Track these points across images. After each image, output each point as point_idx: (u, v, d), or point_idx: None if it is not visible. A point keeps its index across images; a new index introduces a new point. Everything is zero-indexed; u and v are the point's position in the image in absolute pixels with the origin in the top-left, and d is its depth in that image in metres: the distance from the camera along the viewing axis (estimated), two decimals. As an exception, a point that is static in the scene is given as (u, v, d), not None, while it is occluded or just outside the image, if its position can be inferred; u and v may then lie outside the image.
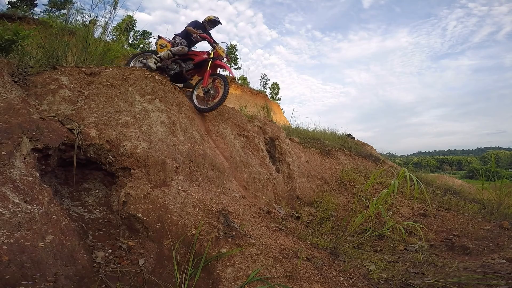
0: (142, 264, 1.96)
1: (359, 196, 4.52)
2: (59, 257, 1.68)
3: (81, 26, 3.98)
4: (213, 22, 4.45)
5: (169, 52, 4.09)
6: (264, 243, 2.20)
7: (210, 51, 4.20)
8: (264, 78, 36.42)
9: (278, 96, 35.55)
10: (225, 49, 4.34)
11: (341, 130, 10.18)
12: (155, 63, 4.10)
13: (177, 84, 4.42)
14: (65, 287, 1.58)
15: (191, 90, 4.28)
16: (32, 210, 1.74)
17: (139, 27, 24.83)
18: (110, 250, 2.04)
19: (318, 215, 3.97)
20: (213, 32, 4.65)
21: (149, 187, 2.44)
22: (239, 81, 23.09)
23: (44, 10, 20.81)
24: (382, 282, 2.15)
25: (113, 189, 2.54)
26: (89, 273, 1.77)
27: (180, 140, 3.13)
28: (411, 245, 3.26)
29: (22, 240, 1.54)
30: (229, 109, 4.79)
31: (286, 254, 2.19)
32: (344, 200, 4.80)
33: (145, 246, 2.14)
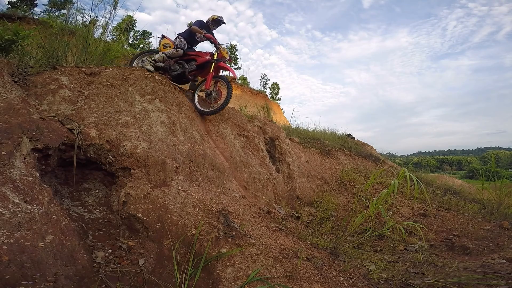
0: (142, 264, 1.96)
1: (359, 196, 4.52)
2: (59, 257, 1.68)
3: (81, 26, 3.98)
4: (217, 21, 4.43)
5: (163, 55, 4.08)
6: (264, 243, 2.20)
7: (213, 52, 4.15)
8: (264, 78, 36.41)
9: (278, 96, 35.54)
10: (228, 50, 4.30)
11: (341, 130, 10.19)
12: (151, 65, 4.08)
13: (180, 85, 4.39)
14: (65, 287, 1.58)
15: (192, 91, 4.24)
16: (32, 210, 1.74)
17: (139, 27, 24.84)
18: (110, 250, 2.04)
19: (318, 215, 3.97)
20: (214, 32, 4.65)
21: (149, 187, 2.44)
22: (239, 81, 23.11)
23: (44, 10, 20.82)
24: (382, 282, 2.15)
25: (113, 189, 2.54)
26: (89, 273, 1.77)
27: (180, 140, 3.13)
28: (411, 245, 3.26)
29: (22, 240, 1.54)
30: (229, 109, 4.79)
31: (286, 254, 2.19)
32: (344, 200, 4.80)
33: (145, 246, 2.14)
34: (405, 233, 3.00)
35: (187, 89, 4.48)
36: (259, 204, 3.30)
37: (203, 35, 4.19)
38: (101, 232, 2.21)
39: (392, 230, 3.22)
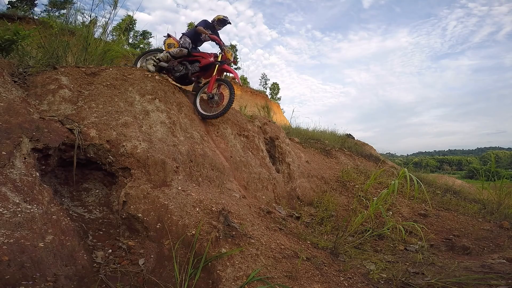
0: (142, 264, 1.96)
1: (359, 196, 4.52)
2: (59, 257, 1.68)
3: (81, 26, 3.98)
4: (223, 21, 4.38)
5: (167, 54, 4.03)
6: (264, 243, 2.20)
7: (218, 54, 4.07)
8: (264, 78, 36.42)
9: (278, 96, 35.56)
10: (233, 52, 4.23)
11: (341, 130, 10.18)
12: (154, 65, 4.05)
13: (184, 86, 4.35)
14: (65, 287, 1.58)
15: (194, 93, 4.18)
16: (32, 210, 1.74)
17: (139, 27, 24.85)
18: (110, 250, 2.04)
19: (318, 215, 3.97)
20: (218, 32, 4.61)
21: (149, 187, 2.44)
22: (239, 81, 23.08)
23: (44, 10, 20.84)
24: (382, 282, 2.15)
25: (113, 189, 2.54)
26: (89, 273, 1.77)
27: (180, 140, 3.13)
28: (411, 245, 3.26)
29: (22, 240, 1.54)
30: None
31: (286, 254, 2.19)
32: (344, 200, 4.80)
33: (145, 246, 2.14)
34: (405, 233, 3.00)
35: (191, 90, 4.46)
36: (259, 204, 3.30)
37: (208, 36, 4.13)
38: (101, 232, 2.21)
39: (392, 230, 3.22)
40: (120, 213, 2.31)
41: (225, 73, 4.19)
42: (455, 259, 2.78)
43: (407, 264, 2.56)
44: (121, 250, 2.07)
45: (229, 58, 4.07)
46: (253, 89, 23.64)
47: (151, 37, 25.02)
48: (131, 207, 2.29)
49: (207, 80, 4.16)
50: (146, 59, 4.40)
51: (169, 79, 4.14)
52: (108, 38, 4.26)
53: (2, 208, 1.61)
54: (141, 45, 23.36)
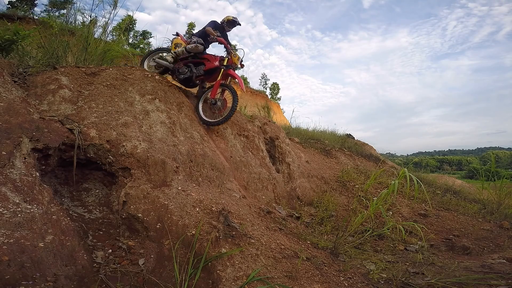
0: (142, 264, 1.96)
1: (359, 196, 4.52)
2: (59, 257, 1.68)
3: (81, 26, 3.98)
4: (232, 23, 4.31)
5: (183, 49, 3.97)
6: (264, 243, 2.20)
7: (224, 57, 3.96)
8: (264, 78, 36.45)
9: (278, 96, 35.58)
10: (241, 57, 4.06)
11: (341, 130, 10.18)
12: (172, 57, 4.01)
13: (189, 89, 4.32)
14: (65, 287, 1.58)
15: (197, 98, 4.11)
16: (32, 210, 1.74)
17: (139, 27, 24.86)
18: (110, 250, 2.04)
19: (318, 215, 3.97)
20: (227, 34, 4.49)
21: (149, 187, 2.44)
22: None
23: (44, 10, 20.85)
24: (382, 282, 2.15)
25: (113, 189, 2.54)
26: (89, 273, 1.77)
27: (180, 140, 3.13)
28: (411, 245, 3.26)
29: (22, 240, 1.54)
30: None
31: (286, 254, 2.19)
32: (344, 200, 4.80)
33: (145, 246, 2.14)
34: (405, 233, 3.00)
35: (195, 93, 4.41)
36: (259, 204, 3.30)
37: (216, 38, 4.04)
38: (101, 232, 2.21)
39: (392, 230, 3.22)
40: (120, 213, 2.31)
41: (230, 78, 4.08)
42: (455, 259, 2.78)
43: (407, 264, 2.56)
44: (121, 250, 2.07)
45: (235, 63, 3.95)
46: (253, 89, 23.65)
47: (151, 37, 25.05)
48: (131, 207, 2.29)
49: (212, 84, 4.08)
50: (153, 59, 4.36)
51: (170, 80, 4.13)
52: (108, 38, 4.26)
53: (2, 208, 1.61)
54: (141, 45, 23.37)
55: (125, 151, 2.55)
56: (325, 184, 5.31)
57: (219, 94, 3.98)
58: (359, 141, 10.37)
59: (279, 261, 2.07)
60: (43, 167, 2.23)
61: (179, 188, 2.55)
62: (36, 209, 1.77)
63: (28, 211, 1.72)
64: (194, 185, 2.77)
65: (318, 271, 2.11)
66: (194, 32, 4.31)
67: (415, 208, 4.66)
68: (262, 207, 3.10)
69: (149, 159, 2.58)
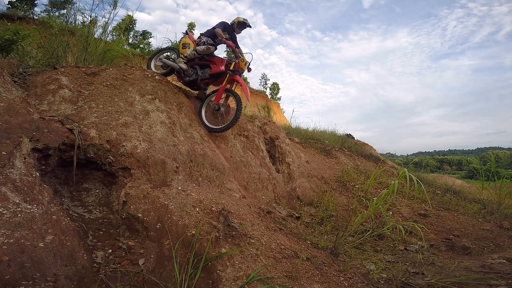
0: (142, 264, 1.96)
1: (359, 196, 4.52)
2: (59, 257, 1.68)
3: (81, 26, 3.98)
4: (242, 24, 4.17)
5: (194, 52, 3.85)
6: (264, 243, 2.20)
7: (230, 61, 3.85)
8: (264, 78, 36.45)
9: (278, 96, 35.59)
10: (249, 62, 3.92)
11: (341, 130, 10.18)
12: (184, 63, 3.87)
13: (195, 91, 4.27)
14: (65, 287, 1.58)
15: (200, 103, 4.03)
16: (32, 210, 1.74)
17: (139, 27, 24.86)
18: (110, 250, 2.04)
19: (318, 215, 3.97)
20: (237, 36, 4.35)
21: (149, 187, 2.44)
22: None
23: (44, 10, 20.86)
24: (382, 282, 2.15)
25: (113, 189, 2.54)
26: (89, 273, 1.77)
27: (180, 140, 3.13)
28: (411, 245, 3.26)
29: (22, 240, 1.54)
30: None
31: (286, 254, 2.19)
32: (344, 200, 4.80)
33: (145, 246, 2.14)
34: (405, 233, 3.00)
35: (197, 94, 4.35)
36: (259, 204, 3.30)
37: (224, 41, 3.90)
38: (101, 232, 2.21)
39: (392, 230, 3.22)
40: (120, 213, 2.31)
41: (235, 83, 3.95)
42: (455, 259, 2.78)
43: (407, 264, 2.56)
44: (121, 250, 2.07)
45: (242, 68, 3.82)
46: (253, 89, 23.65)
47: (151, 37, 25.04)
48: (131, 207, 2.29)
49: (216, 88, 3.98)
50: (159, 58, 4.30)
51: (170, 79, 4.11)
52: (108, 38, 4.25)
53: (2, 208, 1.61)
54: (141, 45, 23.37)
55: (125, 151, 2.55)
56: (325, 184, 5.31)
57: (223, 99, 3.89)
58: (359, 141, 10.37)
59: (279, 261, 2.07)
60: (43, 167, 2.23)
61: (179, 188, 2.55)
62: (36, 209, 1.77)
63: (28, 211, 1.72)
64: (194, 185, 2.77)
65: (318, 271, 2.11)
66: (203, 32, 4.18)
67: (415, 208, 4.66)
68: (262, 207, 3.10)
69: (149, 159, 2.58)
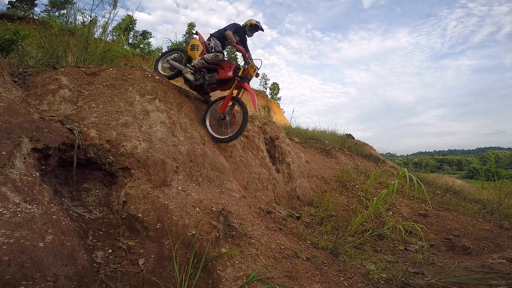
0: (142, 264, 1.96)
1: (359, 196, 4.52)
2: (59, 257, 1.68)
3: (81, 26, 3.98)
4: (255, 27, 4.01)
5: (202, 60, 3.73)
6: (264, 243, 2.20)
7: (239, 66, 3.75)
8: (264, 78, 36.46)
9: (278, 96, 35.61)
10: (258, 68, 3.76)
11: (341, 130, 10.17)
12: (192, 74, 3.76)
13: (202, 96, 4.23)
14: (65, 287, 1.58)
15: (204, 110, 3.95)
16: (32, 210, 1.74)
17: (139, 27, 24.88)
18: (110, 250, 2.04)
19: (318, 215, 3.97)
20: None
21: (149, 187, 2.44)
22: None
23: (44, 10, 20.87)
24: (382, 282, 2.15)
25: (113, 189, 2.54)
26: (89, 273, 1.77)
27: (180, 140, 3.13)
28: (411, 245, 3.26)
29: (22, 240, 1.54)
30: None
31: (286, 254, 2.19)
32: (344, 200, 4.80)
33: (145, 246, 2.14)
34: (405, 233, 3.00)
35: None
36: (259, 204, 3.30)
37: (234, 45, 3.74)
38: (101, 232, 2.21)
39: (392, 230, 3.22)
40: (120, 213, 2.31)
41: (243, 90, 3.84)
42: (455, 259, 2.78)
43: (407, 264, 2.56)
44: (121, 250, 2.07)
45: (250, 74, 3.68)
46: (253, 89, 23.62)
47: (151, 37, 25.07)
48: (131, 207, 2.29)
49: (222, 96, 3.88)
50: (166, 60, 4.24)
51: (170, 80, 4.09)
52: (108, 38, 4.25)
53: (2, 208, 1.61)
54: (141, 45, 23.39)
55: (125, 151, 2.55)
56: (325, 184, 5.31)
57: (229, 107, 3.78)
58: (359, 141, 10.37)
59: (279, 261, 2.07)
60: (43, 167, 2.23)
61: (179, 188, 2.55)
62: (36, 209, 1.77)
63: (28, 211, 1.72)
64: (194, 185, 2.77)
65: (318, 271, 2.11)
66: (213, 32, 4.06)
67: (415, 208, 4.66)
68: (262, 207, 3.10)
69: (149, 159, 2.58)
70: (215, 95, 4.28)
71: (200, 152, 3.23)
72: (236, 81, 3.70)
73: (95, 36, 3.91)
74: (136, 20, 21.78)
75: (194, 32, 4.22)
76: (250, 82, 3.86)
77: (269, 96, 30.50)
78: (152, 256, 2.05)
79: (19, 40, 3.08)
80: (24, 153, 2.02)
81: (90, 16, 3.94)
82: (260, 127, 5.19)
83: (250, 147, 4.41)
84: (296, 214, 3.84)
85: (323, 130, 9.37)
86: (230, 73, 3.71)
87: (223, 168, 3.36)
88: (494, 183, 4.97)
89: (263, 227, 2.53)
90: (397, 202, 4.69)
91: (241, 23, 4.09)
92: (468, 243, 3.33)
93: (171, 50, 4.46)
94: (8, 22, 3.36)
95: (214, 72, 3.82)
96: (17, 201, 1.72)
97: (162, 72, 4.14)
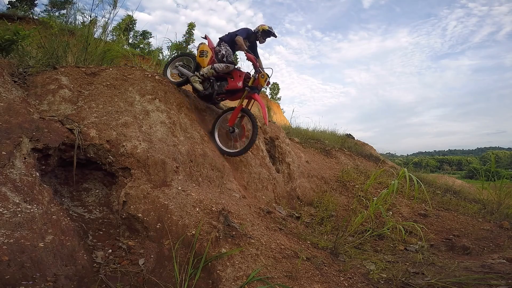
0: (142, 264, 1.96)
1: (359, 196, 4.52)
2: (59, 257, 1.68)
3: (81, 26, 3.98)
4: (267, 33, 3.88)
5: (212, 70, 3.65)
6: (264, 243, 2.20)
7: (250, 75, 3.63)
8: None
9: (278, 96, 35.57)
10: (269, 77, 3.61)
11: (341, 130, 10.18)
12: (200, 83, 3.69)
13: (211, 104, 4.19)
14: (65, 287, 1.58)
15: (213, 121, 3.88)
16: (32, 210, 1.74)
17: (139, 27, 24.86)
18: (110, 250, 2.04)
19: (318, 215, 3.97)
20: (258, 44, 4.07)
21: (149, 187, 2.44)
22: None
23: (44, 10, 20.86)
24: (382, 282, 2.15)
25: (113, 189, 2.54)
26: (89, 273, 1.77)
27: (180, 140, 3.13)
28: (411, 245, 3.26)
29: (22, 240, 1.54)
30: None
31: (286, 254, 2.19)
32: (344, 200, 4.80)
33: (145, 246, 2.14)
34: (405, 233, 3.00)
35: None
36: (259, 204, 3.30)
37: (245, 53, 3.61)
38: (101, 232, 2.21)
39: (392, 230, 3.22)
40: (120, 213, 2.31)
41: (253, 101, 3.74)
42: (455, 259, 2.78)
43: (407, 264, 2.56)
44: (121, 250, 2.07)
45: (261, 84, 3.54)
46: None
47: (151, 37, 25.06)
48: (131, 207, 2.29)
49: (231, 107, 3.80)
50: (175, 66, 4.17)
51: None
52: (108, 38, 4.25)
53: (2, 208, 1.61)
54: (141, 45, 23.38)
55: (125, 151, 2.55)
56: (325, 184, 5.31)
57: (238, 119, 3.70)
58: (359, 141, 10.37)
59: (279, 261, 2.07)
60: (43, 167, 2.23)
61: (179, 188, 2.55)
62: (36, 209, 1.77)
63: (28, 211, 1.72)
64: (194, 185, 2.77)
65: (318, 271, 2.11)
66: (222, 36, 3.96)
67: (415, 208, 4.66)
68: (262, 207, 3.10)
69: (149, 159, 2.58)
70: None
71: (200, 152, 3.23)
72: (246, 92, 3.59)
73: (95, 36, 3.92)
74: (136, 20, 21.80)
75: (203, 37, 4.13)
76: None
77: (269, 96, 30.49)
78: (152, 256, 2.05)
79: (19, 40, 3.08)
80: (24, 153, 2.02)
81: (90, 16, 3.94)
82: (260, 127, 5.19)
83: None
84: (296, 214, 3.84)
85: (323, 130, 9.38)
86: (240, 83, 3.60)
87: (223, 168, 3.36)
88: (494, 183, 4.97)
89: (263, 227, 2.53)
90: (397, 202, 4.69)
91: (253, 28, 3.97)
92: (468, 243, 3.33)
93: (179, 55, 4.38)
94: (8, 22, 3.37)
95: (223, 81, 3.71)
96: (17, 201, 1.72)
97: (170, 78, 4.04)
